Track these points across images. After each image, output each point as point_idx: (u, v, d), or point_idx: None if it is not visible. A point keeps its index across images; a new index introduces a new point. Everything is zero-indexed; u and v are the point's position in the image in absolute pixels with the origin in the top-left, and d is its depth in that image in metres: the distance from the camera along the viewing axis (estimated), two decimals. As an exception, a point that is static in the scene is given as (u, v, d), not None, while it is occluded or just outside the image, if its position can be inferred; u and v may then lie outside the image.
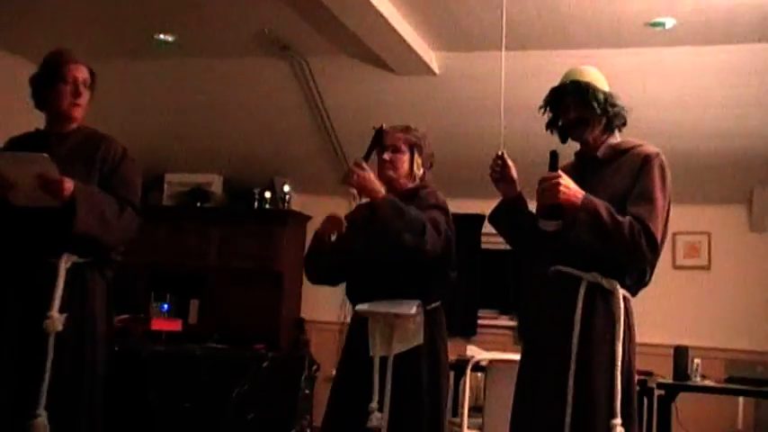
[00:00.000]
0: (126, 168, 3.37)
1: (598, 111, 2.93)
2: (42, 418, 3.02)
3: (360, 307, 3.29)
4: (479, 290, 7.69)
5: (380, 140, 3.32)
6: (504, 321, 7.72)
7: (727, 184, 6.90)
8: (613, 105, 2.96)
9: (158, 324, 4.34)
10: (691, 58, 5.74)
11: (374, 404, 3.20)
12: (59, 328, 3.06)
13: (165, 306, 7.60)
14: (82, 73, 3.32)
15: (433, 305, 3.40)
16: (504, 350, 6.57)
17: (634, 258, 2.81)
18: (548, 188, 2.77)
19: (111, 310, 3.31)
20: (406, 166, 3.41)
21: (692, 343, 6.14)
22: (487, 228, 7.60)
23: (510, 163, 3.00)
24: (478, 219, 7.66)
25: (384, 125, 3.32)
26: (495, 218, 3.18)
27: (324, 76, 6.62)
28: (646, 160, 2.88)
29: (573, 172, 2.96)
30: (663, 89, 6.04)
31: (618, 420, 2.74)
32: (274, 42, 6.16)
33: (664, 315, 6.48)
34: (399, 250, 3.12)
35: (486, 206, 7.39)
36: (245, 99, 7.07)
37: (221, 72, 6.72)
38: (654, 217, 2.77)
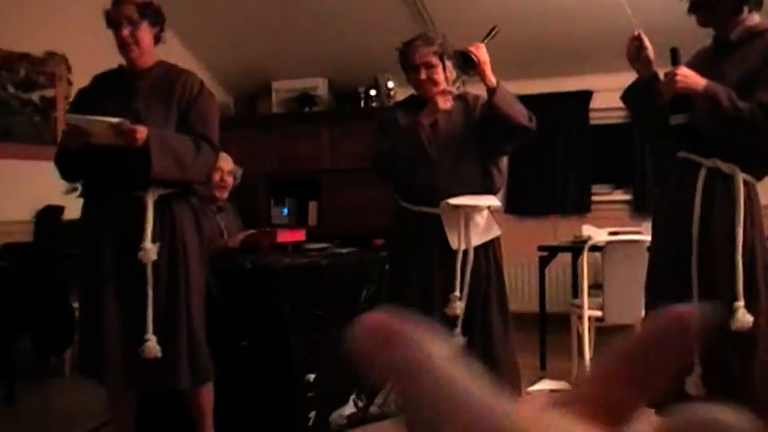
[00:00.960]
0: (203, 103, 3.46)
1: None
2: (152, 341, 3.24)
3: (452, 201, 3.40)
4: (591, 166, 7.68)
5: (492, 36, 3.40)
6: (619, 195, 7.71)
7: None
8: None
9: (283, 236, 4.54)
10: None
11: (456, 293, 3.39)
12: (154, 257, 3.25)
13: (285, 210, 7.89)
14: (123, 13, 3.34)
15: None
16: (621, 225, 6.60)
17: (755, 144, 2.82)
18: (667, 82, 2.83)
19: (201, 235, 3.48)
20: (442, 76, 3.45)
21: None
22: (595, 103, 7.57)
23: (647, 43, 2.98)
24: (586, 95, 7.60)
25: (498, 27, 3.40)
26: (628, 96, 3.20)
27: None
28: None
29: (708, 56, 3.00)
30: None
31: (740, 303, 2.81)
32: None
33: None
34: (515, 131, 3.38)
35: (591, 82, 7.47)
36: (341, 1, 7.12)
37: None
38: None
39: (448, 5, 6.89)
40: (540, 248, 5.66)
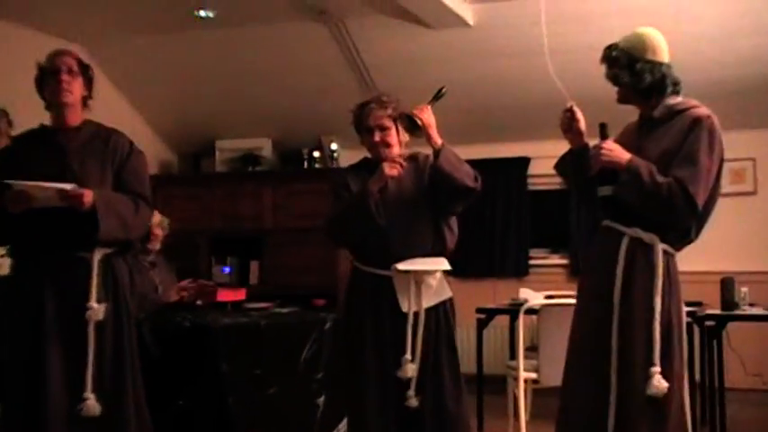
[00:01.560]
0: (136, 161, 3.51)
1: (626, 79, 3.04)
2: (91, 399, 3.22)
3: (400, 266, 3.44)
4: (529, 230, 7.83)
5: (440, 97, 3.49)
6: (556, 260, 7.87)
7: (769, 109, 6.91)
8: (650, 71, 3.01)
9: (224, 295, 4.56)
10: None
11: (408, 356, 3.41)
12: (101, 317, 3.26)
13: (227, 269, 7.88)
14: (65, 62, 3.39)
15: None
16: (558, 288, 6.72)
17: (672, 219, 2.96)
18: (594, 155, 3.00)
19: (133, 291, 3.54)
20: (395, 138, 3.54)
21: (740, 268, 6.26)
22: (533, 169, 7.76)
23: (579, 116, 3.12)
24: (524, 161, 7.79)
25: (445, 88, 3.49)
26: (560, 166, 3.32)
27: (362, 36, 6.77)
28: (695, 122, 2.96)
29: (634, 131, 3.16)
30: (698, 20, 6.05)
31: (656, 369, 2.91)
32: (311, 7, 6.31)
33: (710, 242, 6.49)
34: (460, 191, 3.44)
35: (529, 148, 7.65)
36: (288, 63, 7.24)
37: (262, 39, 6.89)
38: (696, 180, 2.88)
39: (392, 72, 7.05)
40: (478, 310, 5.75)
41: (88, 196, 3.20)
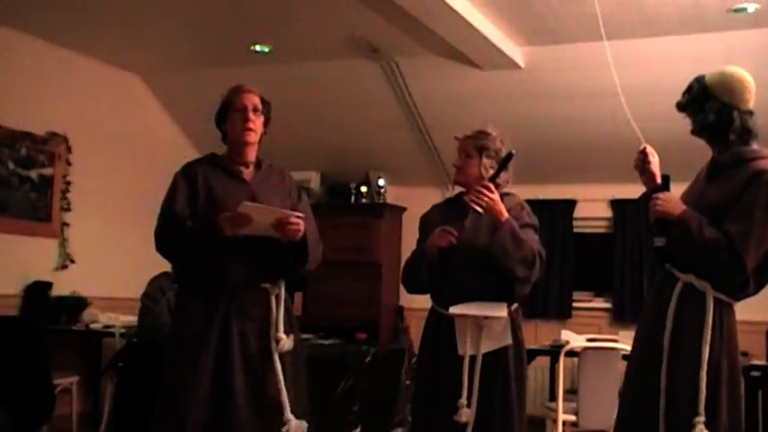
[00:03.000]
0: (304, 199, 3.57)
1: (711, 119, 2.97)
2: (293, 420, 3.26)
3: (453, 309, 3.45)
4: (573, 272, 7.82)
5: (507, 163, 3.47)
6: (599, 303, 7.83)
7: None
8: (717, 113, 2.95)
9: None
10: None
11: (463, 400, 3.39)
12: (290, 347, 3.30)
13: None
14: (251, 100, 3.41)
15: (515, 306, 3.58)
16: (600, 332, 6.70)
17: (717, 273, 2.91)
18: (651, 206, 2.99)
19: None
20: (474, 170, 3.54)
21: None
22: (579, 212, 7.76)
23: (651, 157, 3.07)
24: (571, 203, 7.80)
25: (514, 151, 3.46)
26: (639, 208, 3.24)
27: (413, 74, 6.87)
28: (756, 175, 2.88)
29: (703, 175, 3.12)
30: (749, 69, 6.03)
31: (700, 418, 2.85)
32: (364, 45, 6.43)
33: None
34: (510, 277, 3.41)
35: (576, 191, 7.63)
36: (339, 99, 7.36)
37: (315, 75, 7.02)
38: (746, 237, 2.82)
39: (441, 110, 7.14)
40: (519, 351, 5.75)
41: (302, 225, 3.23)
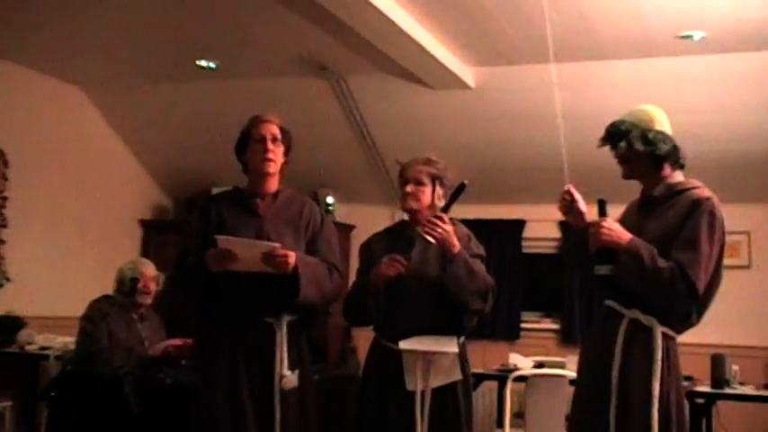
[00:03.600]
0: (328, 231, 3.49)
1: (639, 149, 2.97)
2: None
3: (403, 344, 3.36)
4: (522, 294, 7.78)
5: (459, 195, 3.39)
6: (548, 324, 7.80)
7: (765, 183, 6.90)
8: (655, 145, 2.96)
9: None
10: (723, 65, 5.80)
11: None
12: (294, 384, 3.23)
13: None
14: (270, 130, 3.42)
15: (462, 339, 3.51)
16: (548, 354, 6.68)
17: (672, 303, 2.88)
18: (593, 233, 2.92)
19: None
20: (428, 198, 3.48)
21: (732, 342, 6.22)
22: (528, 232, 7.74)
23: (577, 197, 3.07)
24: (520, 223, 7.77)
25: (467, 182, 3.37)
26: (564, 247, 3.27)
27: (362, 92, 6.80)
28: (695, 205, 2.90)
29: (635, 209, 3.12)
30: (696, 95, 6.08)
31: None
32: (313, 63, 6.34)
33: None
34: (463, 310, 3.38)
35: (525, 211, 7.63)
36: (287, 116, 7.18)
37: (263, 92, 6.90)
38: (695, 264, 2.81)
39: (391, 129, 7.08)
40: (466, 375, 5.70)
41: (292, 258, 3.17)
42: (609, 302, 3.05)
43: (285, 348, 3.25)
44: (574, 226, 3.12)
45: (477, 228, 7.57)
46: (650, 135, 2.97)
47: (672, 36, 5.45)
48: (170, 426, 3.86)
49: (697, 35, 5.38)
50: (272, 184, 3.46)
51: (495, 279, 7.91)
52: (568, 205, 3.08)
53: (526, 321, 7.80)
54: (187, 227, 3.46)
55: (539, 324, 7.84)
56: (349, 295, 3.52)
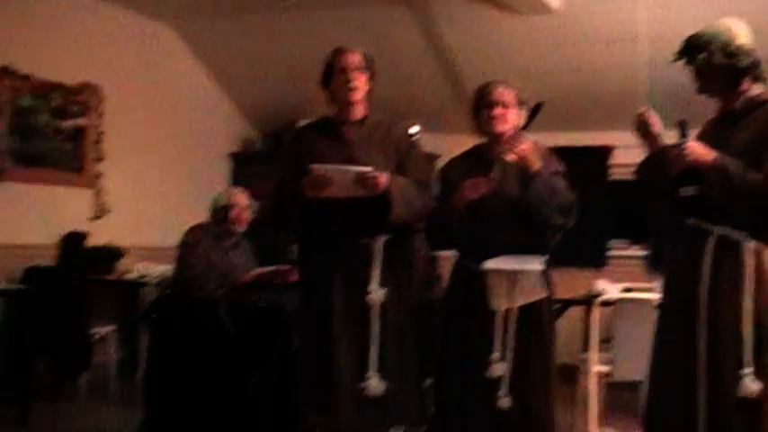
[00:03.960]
0: (416, 153, 3.63)
1: (720, 60, 2.91)
2: (374, 379, 3.37)
3: (488, 264, 3.40)
4: (609, 221, 7.72)
5: (537, 113, 3.41)
6: (636, 251, 7.75)
7: None
8: (738, 56, 2.91)
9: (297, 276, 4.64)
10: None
11: (496, 355, 3.38)
12: (380, 301, 3.39)
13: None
14: (352, 59, 3.52)
15: (545, 257, 3.54)
16: (636, 280, 6.63)
17: (764, 213, 2.83)
18: (676, 155, 2.88)
19: (416, 277, 3.60)
20: (514, 119, 3.49)
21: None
22: (615, 159, 7.64)
23: (652, 120, 3.04)
24: (606, 150, 7.68)
25: (544, 99, 3.38)
26: (641, 172, 3.24)
27: (445, 19, 6.74)
28: None
29: (714, 126, 3.06)
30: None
31: (746, 370, 2.81)
32: (395, -9, 6.33)
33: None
34: (546, 225, 3.41)
35: (612, 137, 7.51)
36: (370, 45, 7.23)
37: (346, 22, 6.92)
38: None
39: (475, 56, 7.02)
40: (553, 301, 5.70)
41: (384, 179, 3.31)
42: (693, 221, 3.00)
43: (378, 266, 3.38)
44: (650, 149, 3.09)
45: (563, 155, 7.57)
46: (731, 48, 2.91)
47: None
48: (263, 346, 4.01)
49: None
50: (358, 112, 3.55)
51: (581, 206, 7.87)
52: (643, 128, 3.05)
53: (614, 248, 7.76)
54: (281, 159, 3.60)
55: (626, 251, 7.78)
56: (433, 219, 3.55)
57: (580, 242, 7.67)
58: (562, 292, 6.16)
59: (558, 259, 7.68)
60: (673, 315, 3.07)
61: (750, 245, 2.87)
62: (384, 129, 3.57)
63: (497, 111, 3.46)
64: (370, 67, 3.56)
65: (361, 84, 3.51)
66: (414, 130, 7.95)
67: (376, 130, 3.54)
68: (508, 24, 6.61)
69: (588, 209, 7.58)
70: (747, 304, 2.84)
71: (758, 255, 2.88)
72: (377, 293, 3.37)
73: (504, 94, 3.48)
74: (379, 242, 3.41)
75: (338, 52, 3.54)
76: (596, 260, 7.65)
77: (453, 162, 3.68)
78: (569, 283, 7.20)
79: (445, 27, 6.84)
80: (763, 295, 2.87)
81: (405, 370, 3.44)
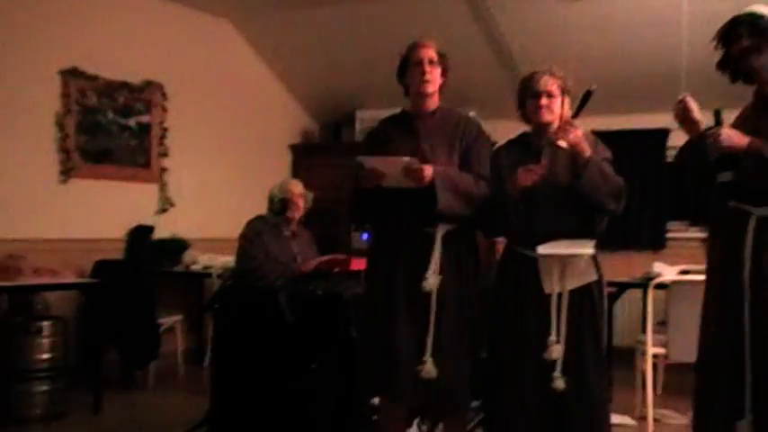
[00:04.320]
0: (480, 145, 3.69)
1: (757, 43, 2.95)
2: (429, 363, 3.49)
3: (543, 249, 3.46)
4: (667, 203, 7.71)
5: (588, 100, 3.41)
6: (695, 233, 7.71)
7: None
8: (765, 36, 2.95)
9: (357, 264, 4.74)
10: None
11: (553, 337, 3.44)
12: (434, 287, 3.49)
13: (365, 235, 8.09)
14: (427, 53, 3.63)
15: (594, 242, 3.59)
16: (696, 261, 6.59)
17: None
18: (711, 142, 2.93)
19: (478, 268, 3.71)
20: (559, 108, 3.53)
21: None
22: (674, 141, 7.60)
23: (692, 105, 3.06)
24: (664, 133, 7.65)
25: (595, 86, 3.38)
26: (680, 157, 3.27)
27: (500, 6, 6.80)
28: None
29: (750, 112, 3.09)
30: None
31: None
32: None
33: None
34: (599, 210, 3.48)
35: (669, 120, 7.41)
36: (426, 34, 7.33)
37: (401, 12, 7.01)
38: None
39: (530, 43, 7.06)
40: (609, 284, 5.72)
41: (428, 171, 3.44)
42: (733, 204, 3.04)
43: (438, 255, 3.48)
44: (689, 134, 3.12)
45: (621, 138, 7.64)
46: (762, 27, 2.96)
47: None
48: (322, 333, 4.13)
49: None
50: (431, 104, 3.67)
51: (640, 189, 7.87)
52: (683, 114, 3.08)
53: (672, 231, 7.74)
54: (361, 152, 3.70)
55: (685, 233, 7.75)
56: (486, 206, 3.60)
57: (639, 225, 7.69)
58: (621, 275, 6.22)
59: (618, 242, 7.77)
60: (717, 297, 3.12)
61: None
62: (453, 120, 3.68)
63: (543, 101, 3.51)
64: (443, 62, 3.67)
65: (434, 77, 3.63)
66: (472, 114, 8.03)
67: (445, 122, 3.65)
68: (559, 10, 6.63)
69: (646, 191, 7.64)
70: None
71: None
72: (431, 280, 3.46)
73: (550, 83, 3.52)
74: (441, 231, 3.51)
75: (414, 46, 3.67)
76: (655, 242, 7.65)
77: (501, 150, 3.74)
78: (628, 265, 7.24)
79: (499, 14, 6.89)
80: None
81: (457, 355, 3.53)
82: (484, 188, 3.55)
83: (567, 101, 3.56)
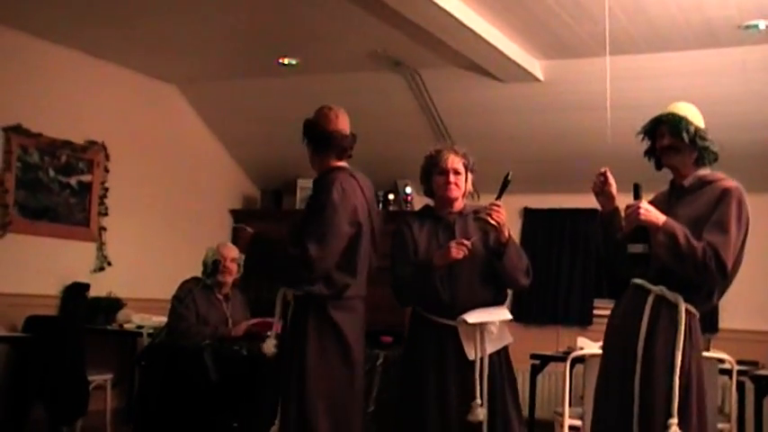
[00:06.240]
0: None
1: (687, 140, 3.21)
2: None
3: (469, 318, 3.62)
4: (594, 281, 7.94)
5: (507, 185, 3.66)
6: (620, 310, 7.92)
7: None
8: (703, 139, 3.22)
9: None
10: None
11: (478, 400, 3.59)
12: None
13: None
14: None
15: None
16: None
17: (704, 280, 3.11)
18: (630, 213, 3.14)
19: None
20: (463, 185, 3.81)
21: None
22: (602, 220, 7.85)
23: (611, 180, 3.30)
24: (594, 212, 7.87)
25: (511, 173, 3.64)
26: (593, 229, 3.54)
27: (435, 85, 7.09)
28: (725, 192, 3.14)
29: (664, 198, 3.34)
30: (765, 82, 6.13)
31: (674, 420, 3.06)
32: (387, 59, 6.66)
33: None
34: (511, 285, 3.81)
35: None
36: (364, 109, 7.50)
37: (341, 87, 7.23)
38: (726, 246, 3.05)
39: (464, 120, 7.32)
40: (533, 356, 5.92)
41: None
42: (636, 281, 3.27)
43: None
44: (603, 207, 3.36)
45: (551, 216, 7.89)
46: (702, 132, 3.23)
47: (735, 26, 5.54)
48: (244, 392, 4.22)
49: (762, 24, 5.46)
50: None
51: (569, 266, 8.04)
52: (601, 186, 3.31)
53: (599, 308, 7.94)
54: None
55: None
56: (407, 278, 3.77)
57: (567, 301, 7.91)
58: (547, 349, 6.41)
59: (547, 317, 7.93)
60: (613, 364, 3.32)
61: (684, 306, 3.13)
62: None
63: (451, 177, 3.77)
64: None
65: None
66: (407, 189, 8.25)
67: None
68: (495, 91, 6.92)
69: (575, 269, 7.87)
70: (678, 359, 3.10)
71: (690, 317, 3.15)
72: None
73: (456, 161, 3.79)
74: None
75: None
76: (582, 319, 7.84)
77: (412, 223, 3.89)
78: (555, 340, 7.45)
79: (436, 93, 7.18)
80: (691, 355, 3.13)
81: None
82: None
83: (470, 177, 3.83)
